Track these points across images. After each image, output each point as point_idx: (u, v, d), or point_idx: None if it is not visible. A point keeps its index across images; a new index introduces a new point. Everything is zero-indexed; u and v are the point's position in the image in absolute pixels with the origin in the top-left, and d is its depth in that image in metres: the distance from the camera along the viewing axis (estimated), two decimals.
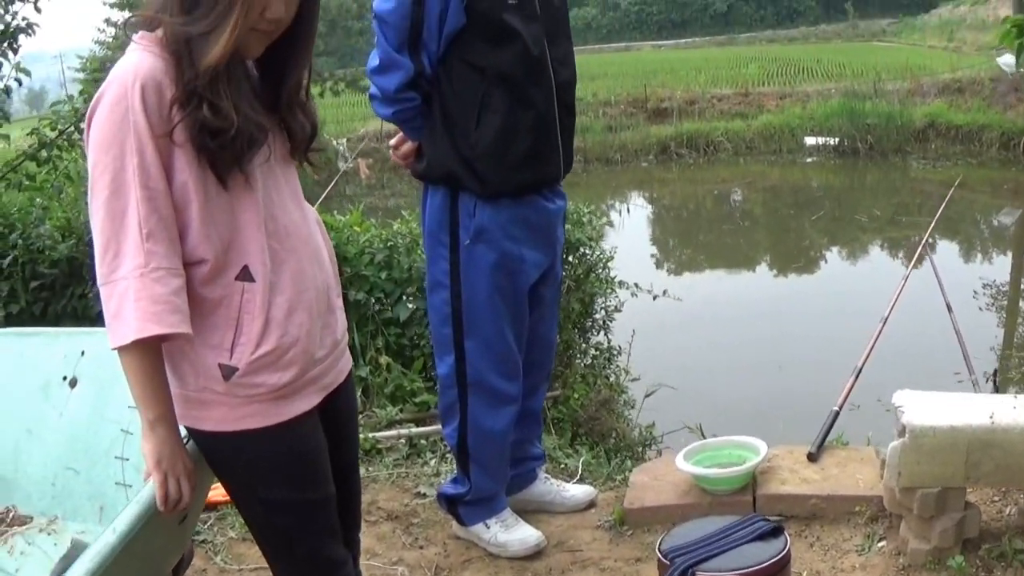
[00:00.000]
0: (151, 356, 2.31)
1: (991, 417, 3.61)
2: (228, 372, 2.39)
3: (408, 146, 3.95)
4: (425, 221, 3.92)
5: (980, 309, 11.35)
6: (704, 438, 5.70)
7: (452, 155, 3.70)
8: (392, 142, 4.05)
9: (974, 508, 3.80)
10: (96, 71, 35.89)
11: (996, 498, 4.17)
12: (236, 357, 2.39)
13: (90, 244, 2.37)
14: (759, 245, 18.50)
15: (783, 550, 3.26)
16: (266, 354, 2.41)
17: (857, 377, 5.08)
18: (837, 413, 4.77)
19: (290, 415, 2.49)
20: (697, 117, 28.86)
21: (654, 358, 8.44)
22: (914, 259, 6.65)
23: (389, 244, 6.23)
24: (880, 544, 3.97)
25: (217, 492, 3.55)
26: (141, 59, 2.29)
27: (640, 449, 6.63)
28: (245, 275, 2.40)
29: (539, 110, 3.75)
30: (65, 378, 3.33)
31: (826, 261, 16.61)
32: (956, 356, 8.68)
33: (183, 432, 2.47)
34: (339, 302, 2.76)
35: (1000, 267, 15.58)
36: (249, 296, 2.40)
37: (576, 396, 6.42)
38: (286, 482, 2.54)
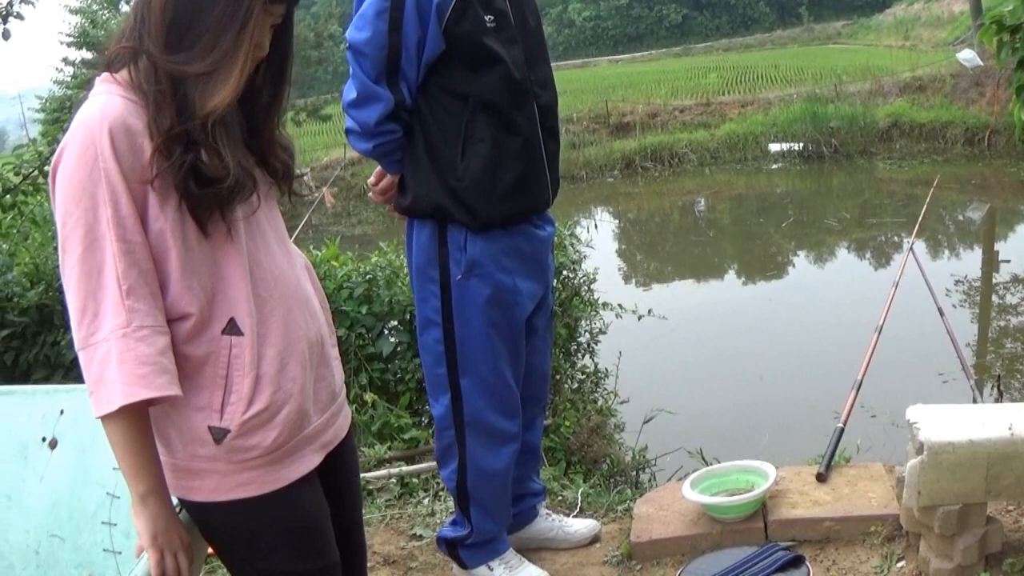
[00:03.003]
0: (139, 423, 2.13)
1: (1010, 428, 3.49)
2: (219, 435, 2.21)
3: (388, 180, 3.78)
4: (412, 257, 3.74)
5: (953, 307, 11.28)
6: (705, 462, 5.58)
7: (439, 188, 3.54)
8: (371, 179, 3.88)
9: (996, 523, 3.67)
10: (55, 111, 35.97)
11: (1011, 507, 4.06)
12: (227, 418, 2.22)
13: (61, 293, 2.19)
14: (728, 254, 18.54)
15: None
16: (259, 412, 2.23)
17: (858, 391, 4.98)
18: (842, 430, 4.65)
19: (288, 480, 2.32)
20: (660, 130, 29.02)
21: (636, 377, 8.30)
22: (902, 265, 6.56)
23: (368, 278, 6.08)
24: (899, 564, 3.84)
25: None
26: (108, 102, 2.11)
27: (634, 474, 6.51)
28: (232, 328, 2.22)
29: (524, 136, 3.60)
30: (44, 439, 3.14)
31: (795, 267, 16.70)
32: (938, 359, 8.70)
33: (174, 502, 2.28)
34: (335, 352, 2.59)
35: (970, 262, 15.62)
36: (237, 351, 2.22)
37: (567, 423, 6.29)
38: (287, 553, 2.36)
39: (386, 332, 6.06)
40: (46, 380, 6.04)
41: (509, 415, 3.81)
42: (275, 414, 2.27)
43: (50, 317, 6.32)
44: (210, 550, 2.43)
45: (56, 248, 6.37)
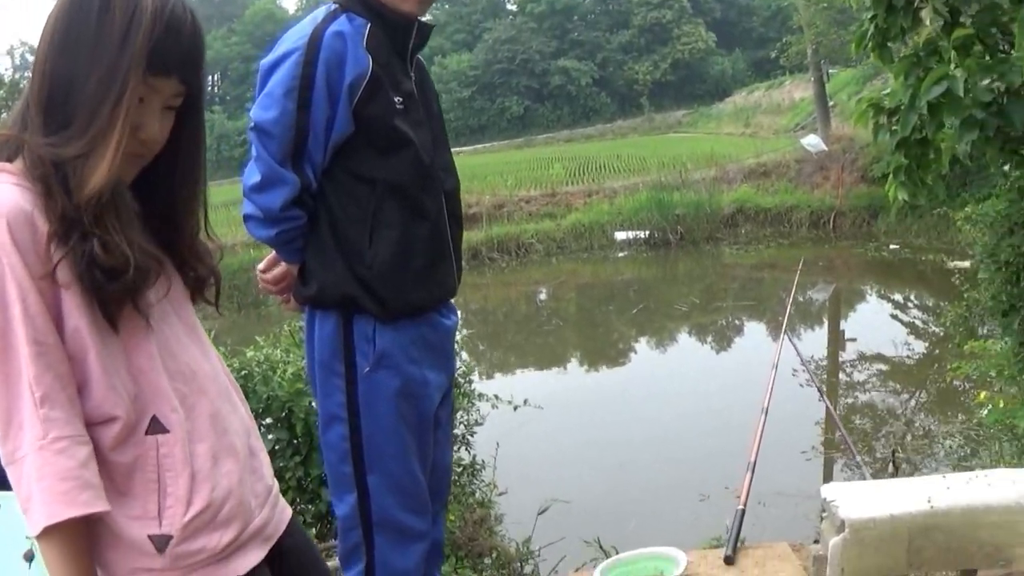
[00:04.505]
0: (72, 540, 1.92)
1: (929, 501, 3.52)
2: (161, 543, 2.03)
3: (281, 268, 3.62)
4: (315, 350, 3.53)
5: (800, 386, 11.53)
6: (603, 551, 5.51)
7: (347, 276, 3.36)
8: (261, 266, 3.69)
9: None
10: None
11: None
12: (167, 523, 2.04)
13: None
14: (571, 343, 18.72)
15: None
16: (200, 512, 2.07)
17: (753, 472, 4.96)
18: (743, 512, 4.62)
19: (237, 573, 2.15)
20: (506, 220, 29.34)
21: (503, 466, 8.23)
22: (779, 349, 6.64)
23: (243, 373, 5.85)
24: None
25: None
26: (1, 191, 1.93)
27: (519, 565, 6.39)
28: (155, 427, 2.05)
29: (432, 221, 3.46)
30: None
31: (638, 354, 17.08)
32: (796, 436, 8.97)
33: None
34: (260, 444, 2.41)
35: (816, 342, 16.02)
36: (166, 450, 2.05)
37: (451, 517, 6.13)
38: None
39: (263, 430, 5.85)
40: None
41: (419, 512, 3.63)
42: (217, 512, 2.11)
43: None
44: None
45: None
